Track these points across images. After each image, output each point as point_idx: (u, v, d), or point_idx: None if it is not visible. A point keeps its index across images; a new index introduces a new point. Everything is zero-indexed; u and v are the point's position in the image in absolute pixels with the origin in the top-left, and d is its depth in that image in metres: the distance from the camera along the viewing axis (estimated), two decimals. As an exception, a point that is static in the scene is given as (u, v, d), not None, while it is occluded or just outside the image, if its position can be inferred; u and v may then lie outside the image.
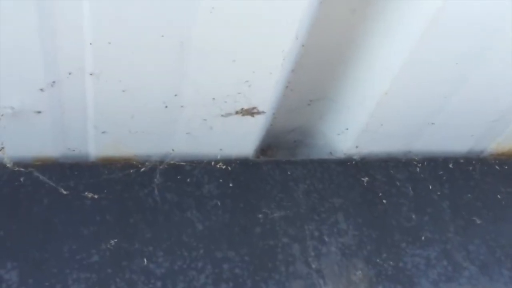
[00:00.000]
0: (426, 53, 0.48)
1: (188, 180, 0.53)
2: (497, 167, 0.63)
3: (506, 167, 0.63)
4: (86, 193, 0.49)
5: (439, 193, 0.60)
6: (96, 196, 0.49)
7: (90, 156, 0.52)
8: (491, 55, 0.49)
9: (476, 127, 0.62)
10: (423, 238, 0.55)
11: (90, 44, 0.40)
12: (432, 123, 0.59)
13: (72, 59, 0.42)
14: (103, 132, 0.49)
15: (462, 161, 0.64)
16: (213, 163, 0.54)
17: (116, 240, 0.48)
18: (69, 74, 0.43)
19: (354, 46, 0.50)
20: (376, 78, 0.51)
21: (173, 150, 0.52)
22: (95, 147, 0.51)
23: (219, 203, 0.52)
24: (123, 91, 0.45)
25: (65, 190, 0.49)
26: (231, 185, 0.54)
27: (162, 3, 0.38)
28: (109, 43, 0.41)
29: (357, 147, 0.59)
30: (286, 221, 0.52)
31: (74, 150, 0.51)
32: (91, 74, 0.43)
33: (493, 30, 0.46)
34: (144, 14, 0.39)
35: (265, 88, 0.48)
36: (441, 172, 0.61)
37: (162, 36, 0.41)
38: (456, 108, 0.57)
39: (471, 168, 0.63)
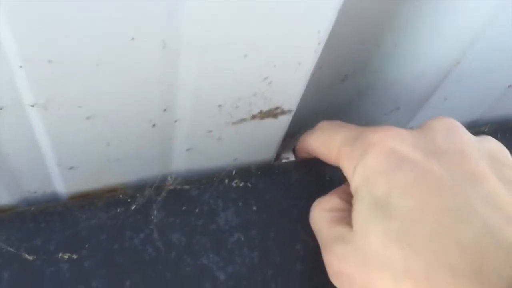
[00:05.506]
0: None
1: (197, 210, 0.39)
2: None
3: None
4: (60, 254, 0.35)
5: (521, 175, 0.46)
6: (74, 257, 0.35)
7: (59, 195, 0.38)
8: None
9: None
10: None
11: (20, 67, 0.25)
12: (510, 86, 0.44)
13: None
14: (71, 168, 0.35)
15: (542, 125, 0.49)
16: (226, 180, 0.40)
17: (110, 314, 0.35)
18: (0, 109, 0.28)
19: (411, 10, 0.35)
20: (445, 46, 0.36)
21: (170, 177, 0.38)
22: (64, 185, 0.37)
23: (242, 238, 0.39)
24: (88, 118, 0.31)
25: (29, 254, 0.35)
26: (254, 208, 0.40)
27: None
28: (49, 61, 0.26)
29: (410, 127, 0.45)
30: (333, 247, 0.39)
31: (36, 192, 0.37)
32: (32, 106, 0.28)
33: None
34: (96, 14, 0.24)
35: (291, 83, 0.33)
36: (520, 146, 0.47)
37: (132, 39, 0.26)
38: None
39: (555, 133, 0.49)
